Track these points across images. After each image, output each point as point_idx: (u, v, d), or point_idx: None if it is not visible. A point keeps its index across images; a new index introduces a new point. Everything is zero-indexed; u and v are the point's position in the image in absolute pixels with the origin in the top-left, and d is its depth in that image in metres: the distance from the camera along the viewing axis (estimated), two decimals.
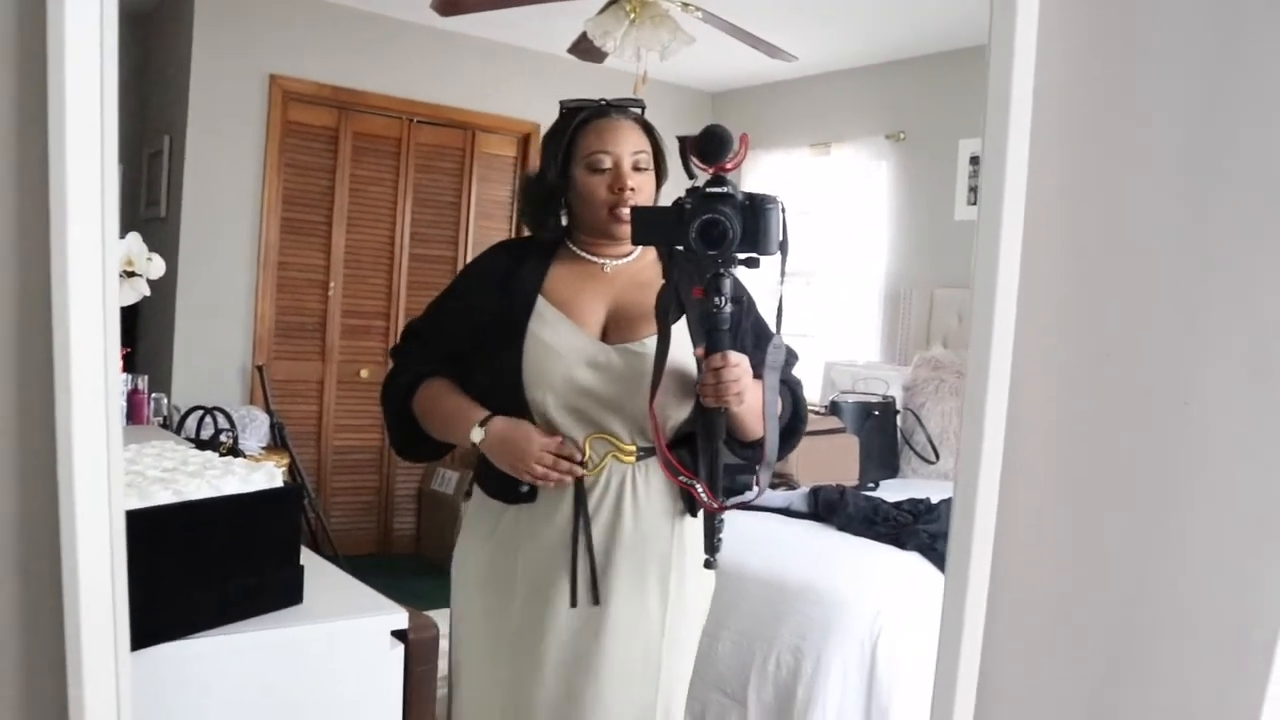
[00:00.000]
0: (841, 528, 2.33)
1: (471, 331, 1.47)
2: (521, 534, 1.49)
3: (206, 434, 2.02)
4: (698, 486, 1.37)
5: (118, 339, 0.98)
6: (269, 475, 1.54)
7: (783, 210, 1.35)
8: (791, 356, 1.51)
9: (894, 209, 3.56)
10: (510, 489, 1.51)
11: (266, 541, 1.55)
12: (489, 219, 3.70)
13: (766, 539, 2.32)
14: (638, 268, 1.51)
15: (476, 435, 1.49)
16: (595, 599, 1.44)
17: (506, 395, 1.43)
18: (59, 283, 0.95)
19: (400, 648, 1.57)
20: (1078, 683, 1.08)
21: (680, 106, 3.89)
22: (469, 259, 3.50)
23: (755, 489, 1.44)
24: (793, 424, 1.61)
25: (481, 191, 3.69)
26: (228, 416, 1.98)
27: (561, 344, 1.50)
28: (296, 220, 3.39)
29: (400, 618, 1.58)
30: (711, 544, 1.42)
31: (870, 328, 3.54)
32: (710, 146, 1.34)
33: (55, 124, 0.92)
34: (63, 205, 0.93)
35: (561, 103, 1.50)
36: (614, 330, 1.51)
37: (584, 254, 1.49)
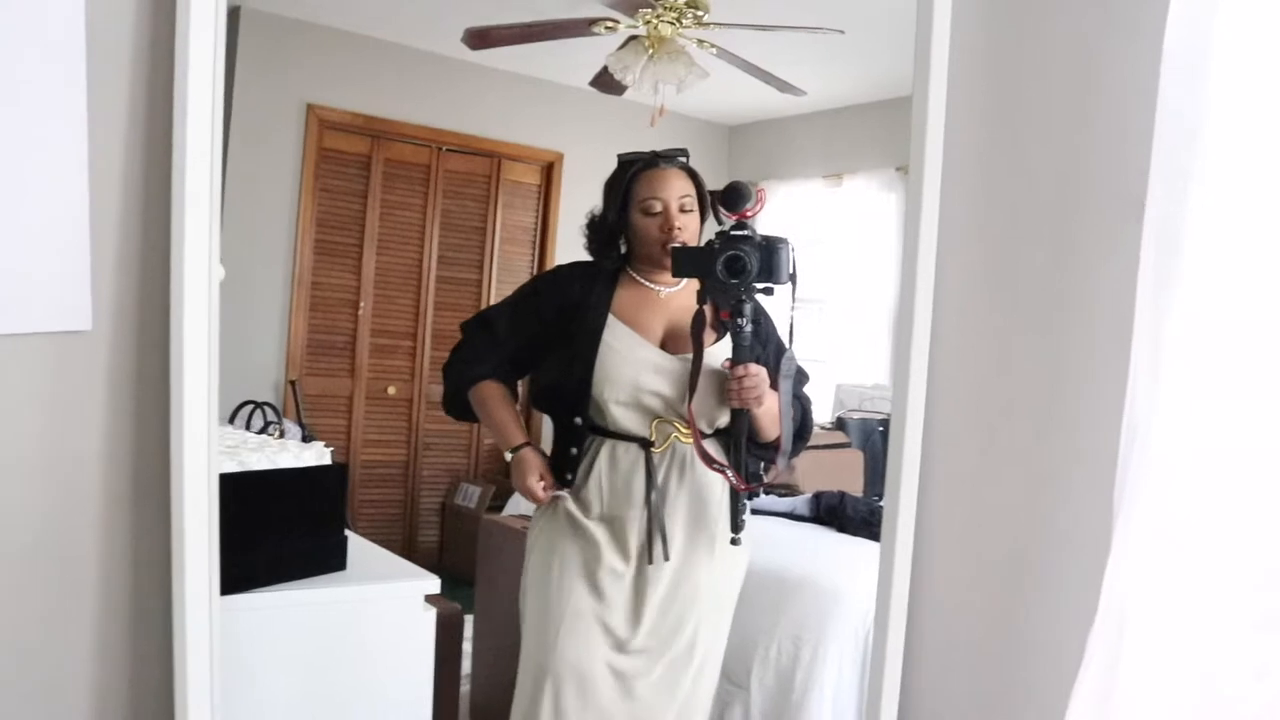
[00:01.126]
0: (841, 529, 2.55)
1: (541, 331, 2.02)
2: (595, 506, 1.97)
3: (255, 427, 2.26)
4: (728, 472, 1.82)
5: (217, 329, 1.24)
6: (319, 453, 1.80)
7: (792, 249, 1.92)
8: (803, 376, 2.03)
9: (902, 238, 3.78)
10: (560, 476, 1.98)
11: (316, 511, 1.81)
12: (513, 244, 3.96)
13: (770, 539, 2.54)
14: (685, 294, 2.01)
15: (508, 456, 2.01)
16: (665, 555, 1.94)
17: (574, 391, 1.96)
18: (177, 282, 1.20)
19: (433, 611, 1.82)
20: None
21: (698, 138, 4.15)
22: (494, 282, 3.80)
23: (774, 471, 2.03)
24: (801, 431, 2.08)
25: (506, 217, 3.96)
26: (275, 410, 2.23)
27: (631, 354, 1.96)
28: (329, 242, 3.66)
29: (433, 583, 1.84)
30: (735, 523, 1.97)
31: (879, 351, 3.77)
32: (732, 199, 1.90)
33: (178, 140, 1.18)
34: (181, 213, 1.19)
35: (619, 156, 2.08)
36: (670, 343, 2.01)
37: (643, 281, 2.04)
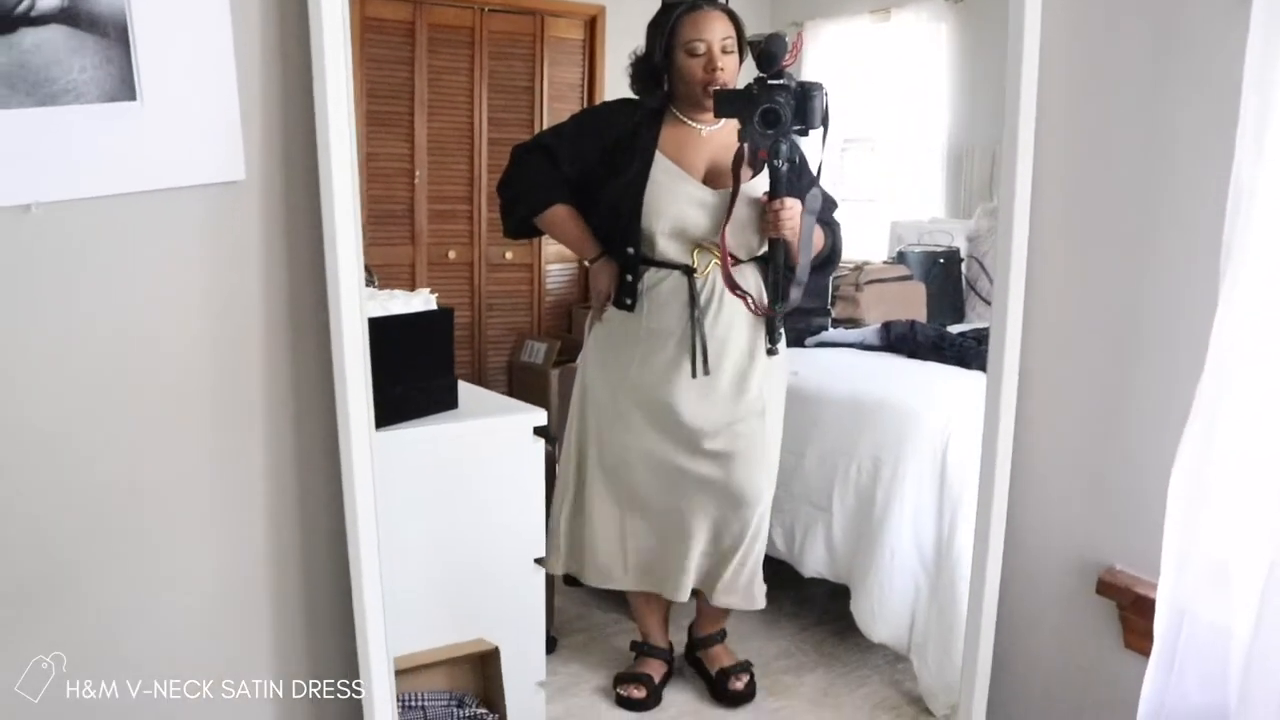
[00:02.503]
0: (911, 354, 2.70)
1: (595, 162, 2.21)
2: (643, 326, 2.20)
3: None
4: (749, 298, 2.00)
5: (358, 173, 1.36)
6: (425, 300, 1.95)
7: (825, 95, 2.09)
8: (830, 203, 2.21)
9: (954, 71, 3.82)
10: (620, 301, 2.21)
11: (429, 353, 1.96)
12: (561, 101, 4.04)
13: (843, 367, 2.70)
14: (725, 132, 2.19)
15: (588, 263, 2.26)
16: (706, 370, 2.17)
17: (627, 220, 2.18)
18: (322, 128, 1.32)
19: (542, 441, 1.99)
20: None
21: None
22: None
23: (790, 300, 2.19)
24: (831, 255, 2.31)
25: (553, 75, 4.03)
26: (366, 267, 2.39)
27: (676, 188, 2.16)
28: (380, 112, 3.76)
29: (540, 415, 2.01)
30: (772, 336, 2.24)
31: (934, 186, 3.85)
32: (766, 58, 2.07)
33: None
34: (322, 61, 1.31)
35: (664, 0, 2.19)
36: (712, 178, 2.19)
37: (686, 120, 2.21)
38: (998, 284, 1.61)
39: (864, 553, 2.43)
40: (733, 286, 2.12)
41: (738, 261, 2.17)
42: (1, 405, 1.29)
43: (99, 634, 1.42)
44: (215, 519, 1.48)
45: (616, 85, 3.96)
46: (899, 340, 2.72)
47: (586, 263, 2.27)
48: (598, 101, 4.01)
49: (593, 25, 4.05)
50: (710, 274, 2.17)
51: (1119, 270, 1.50)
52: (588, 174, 2.20)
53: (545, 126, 4.06)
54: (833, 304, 2.89)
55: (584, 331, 2.42)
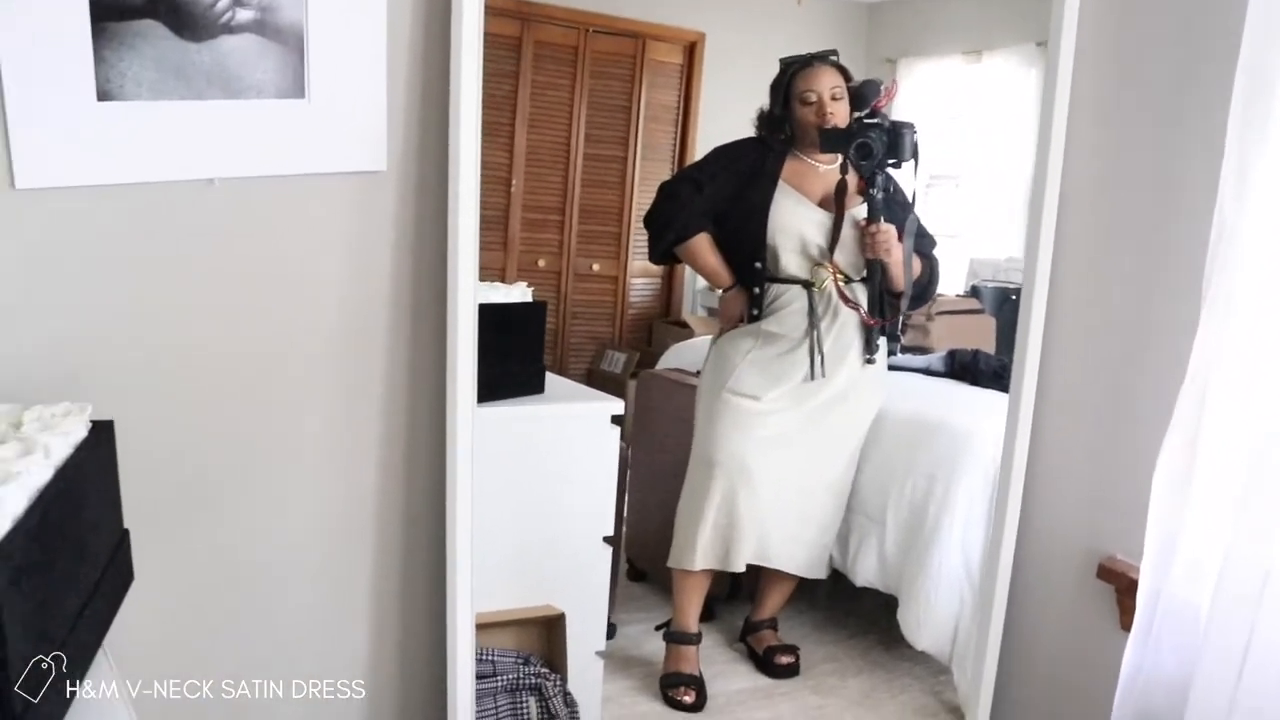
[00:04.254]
0: (974, 382, 2.91)
1: (730, 188, 2.65)
2: (766, 334, 2.60)
3: None
4: (860, 309, 2.29)
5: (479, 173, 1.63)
6: (523, 292, 2.22)
7: (914, 132, 2.56)
8: (930, 240, 2.53)
9: (1042, 114, 4.00)
10: (749, 312, 2.61)
11: (522, 339, 2.23)
12: (657, 122, 4.31)
13: (908, 390, 2.92)
14: (837, 168, 2.59)
15: (719, 292, 2.72)
16: (823, 373, 2.57)
17: (754, 236, 2.60)
18: (454, 130, 1.60)
19: (618, 429, 2.24)
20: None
21: (838, 17, 4.40)
22: (639, 159, 4.18)
23: (896, 312, 2.63)
24: (928, 283, 2.76)
25: (650, 96, 4.30)
26: None
27: (797, 210, 2.59)
28: (486, 122, 4.01)
29: (618, 405, 2.26)
30: (870, 346, 2.65)
31: (1014, 226, 4.03)
32: (859, 99, 2.58)
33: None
34: (459, 70, 1.59)
35: (781, 59, 2.72)
36: (827, 204, 2.61)
37: (804, 158, 2.65)
38: (1021, 312, 1.87)
39: (913, 565, 2.64)
40: (845, 298, 2.54)
41: (849, 280, 2.57)
42: (175, 345, 1.59)
43: (235, 549, 1.71)
44: (332, 471, 1.77)
45: (712, 110, 4.26)
46: (962, 368, 2.93)
47: (720, 291, 2.71)
48: (692, 122, 4.28)
49: (692, 51, 4.32)
50: (826, 288, 2.56)
51: (1123, 300, 1.79)
52: (723, 199, 2.63)
53: (640, 145, 4.37)
54: (903, 331, 3.12)
55: (707, 349, 2.80)
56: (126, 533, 1.40)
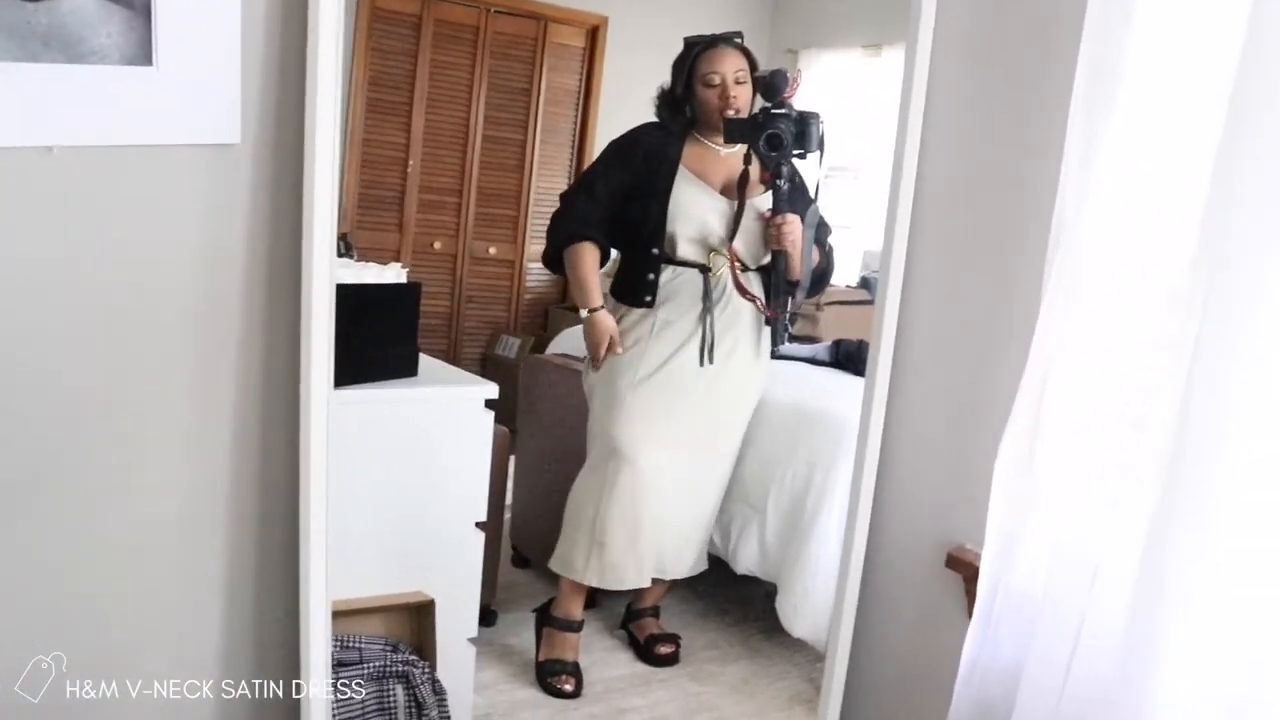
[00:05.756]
0: (857, 372, 2.92)
1: (628, 179, 2.62)
2: (658, 317, 2.59)
3: None
4: (757, 301, 2.32)
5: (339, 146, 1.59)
6: (396, 273, 2.19)
7: (821, 123, 2.53)
8: (826, 228, 2.53)
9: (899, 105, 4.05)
10: (639, 298, 2.59)
11: (394, 322, 2.20)
12: (557, 105, 4.29)
13: (791, 379, 2.94)
14: (739, 153, 2.57)
15: (584, 314, 2.66)
16: (712, 359, 2.57)
17: (653, 226, 2.58)
18: (310, 102, 1.56)
19: (491, 413, 2.22)
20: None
21: (742, 8, 4.41)
22: (538, 143, 4.16)
23: (794, 302, 2.66)
24: (824, 271, 2.76)
25: (551, 79, 4.28)
26: (347, 242, 2.65)
27: (698, 197, 2.58)
28: (381, 101, 4.01)
29: (492, 389, 2.24)
30: (776, 337, 2.68)
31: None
32: (769, 89, 2.52)
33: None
34: (316, 40, 1.55)
35: (685, 38, 2.66)
36: (728, 191, 2.60)
37: (705, 142, 2.66)
38: (878, 299, 1.89)
39: (792, 553, 2.67)
40: (742, 290, 2.53)
41: (746, 269, 2.56)
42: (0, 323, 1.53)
43: (70, 544, 1.65)
44: (183, 449, 1.72)
45: (613, 94, 4.24)
46: (846, 358, 2.96)
47: (584, 313, 2.65)
48: (593, 107, 4.27)
49: (594, 34, 4.31)
50: (722, 275, 2.56)
51: (974, 292, 1.82)
52: (621, 193, 2.60)
53: (540, 128, 4.35)
54: (792, 322, 3.14)
55: (583, 378, 2.77)
56: None
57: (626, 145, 2.70)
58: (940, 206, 1.86)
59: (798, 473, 2.71)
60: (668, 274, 2.59)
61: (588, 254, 2.64)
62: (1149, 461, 1.34)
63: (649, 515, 2.62)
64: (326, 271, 1.64)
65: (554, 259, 2.78)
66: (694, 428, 2.65)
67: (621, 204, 2.62)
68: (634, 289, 2.62)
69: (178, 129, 1.57)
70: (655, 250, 2.58)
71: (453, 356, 4.31)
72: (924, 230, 1.86)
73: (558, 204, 2.82)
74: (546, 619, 2.68)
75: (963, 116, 1.84)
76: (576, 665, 2.63)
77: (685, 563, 2.74)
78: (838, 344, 3.04)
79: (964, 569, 1.70)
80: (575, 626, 2.67)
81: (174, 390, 1.68)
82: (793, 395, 2.85)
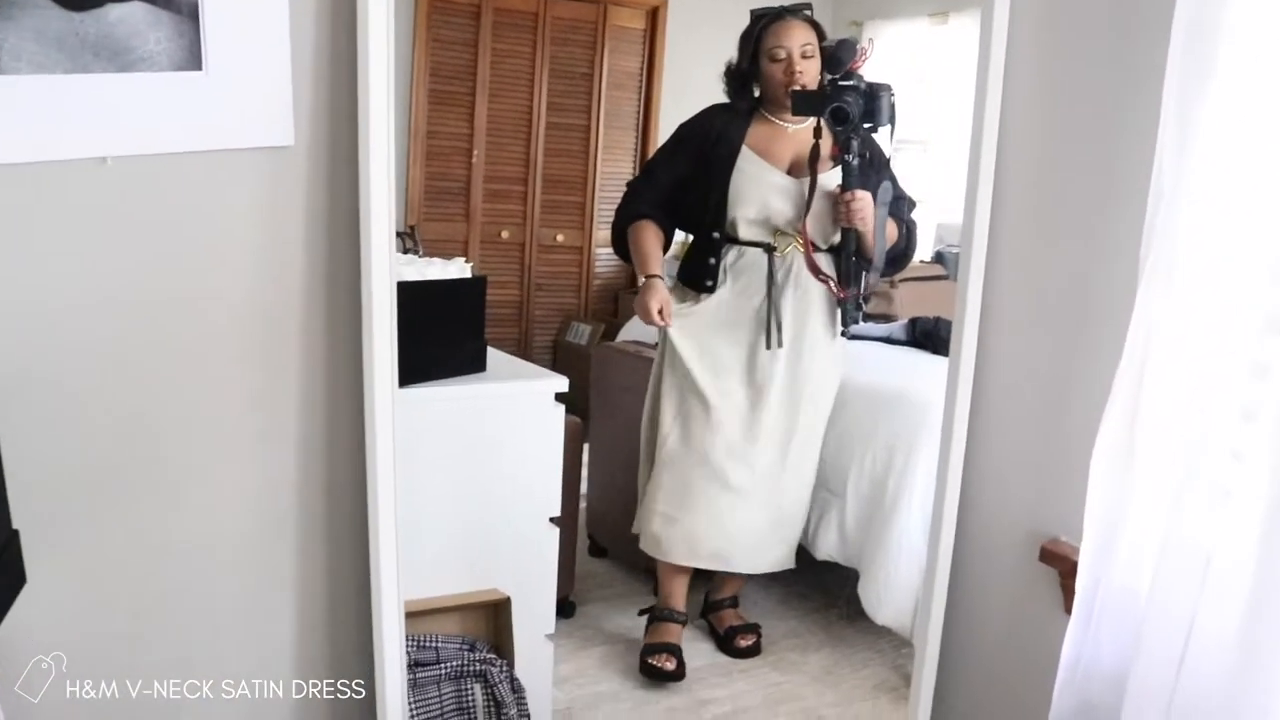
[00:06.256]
0: (934, 351, 2.83)
1: (690, 167, 2.52)
2: (723, 299, 2.50)
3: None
4: (830, 282, 2.22)
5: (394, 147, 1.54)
6: (460, 268, 2.14)
7: (892, 95, 2.37)
8: (910, 204, 2.42)
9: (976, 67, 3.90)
10: (701, 282, 2.50)
11: (461, 318, 2.15)
12: (620, 89, 4.21)
13: (868, 360, 2.84)
14: (809, 129, 2.46)
15: (641, 280, 2.52)
16: (780, 342, 2.47)
17: (714, 210, 2.48)
18: (364, 103, 1.50)
19: (562, 407, 2.16)
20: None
21: None
22: (601, 128, 4.09)
23: (867, 284, 2.53)
24: (905, 250, 2.61)
25: (613, 63, 4.21)
26: (413, 236, 2.60)
27: (761, 176, 2.45)
28: (443, 92, 3.97)
29: (562, 382, 2.18)
30: (845, 319, 2.54)
31: None
32: (833, 62, 2.39)
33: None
34: (366, 42, 1.49)
35: (751, 11, 2.51)
36: (796, 169, 2.47)
37: (772, 119, 2.52)
38: (960, 276, 1.77)
39: (874, 538, 2.58)
40: (815, 270, 2.40)
41: (817, 249, 2.43)
42: (69, 335, 1.50)
43: (144, 546, 1.62)
44: (250, 454, 1.68)
45: (675, 75, 4.15)
46: (924, 336, 2.85)
47: (640, 279, 2.52)
48: (655, 89, 4.18)
49: (654, 15, 4.22)
50: (789, 255, 2.44)
51: (1063, 270, 1.69)
52: (684, 175, 2.50)
53: (603, 112, 4.28)
54: (866, 300, 3.04)
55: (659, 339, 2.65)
56: (15, 534, 1.32)
57: (691, 128, 2.59)
58: (1023, 178, 1.73)
59: (877, 456, 2.61)
60: (732, 255, 2.49)
61: (648, 230, 2.55)
62: (1263, 449, 1.23)
63: (704, 493, 2.54)
64: (386, 271, 1.58)
65: (619, 242, 2.68)
66: (771, 419, 2.53)
67: (683, 188, 2.52)
68: (697, 272, 2.52)
69: (230, 133, 1.52)
70: (716, 234, 2.49)
71: (523, 345, 4.27)
72: (1006, 204, 1.74)
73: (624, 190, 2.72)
74: (652, 612, 2.63)
75: (1045, 84, 1.71)
76: (679, 648, 2.56)
77: (761, 560, 2.64)
78: (914, 322, 2.93)
79: (1059, 563, 1.59)
80: (677, 617, 2.61)
81: (238, 395, 1.65)
82: (869, 376, 2.75)
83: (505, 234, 4.10)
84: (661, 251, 2.56)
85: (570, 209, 4.14)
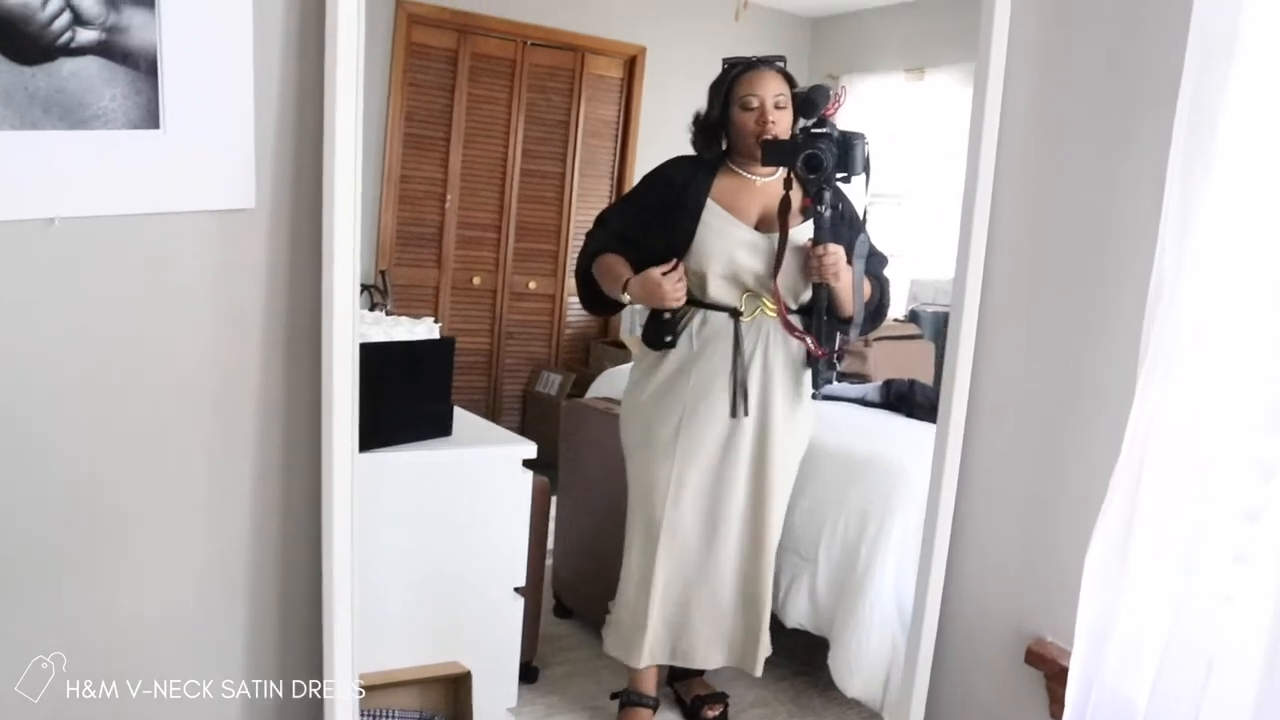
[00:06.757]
0: (909, 414, 2.76)
1: (651, 218, 2.33)
2: (688, 367, 2.30)
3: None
4: (807, 339, 2.11)
5: (360, 209, 1.46)
6: (429, 328, 2.05)
7: (866, 144, 2.21)
8: (882, 259, 2.30)
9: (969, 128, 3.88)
10: (660, 339, 2.29)
11: (427, 380, 2.06)
12: (596, 137, 4.15)
13: (841, 422, 2.77)
14: (778, 183, 2.31)
15: (624, 297, 2.26)
16: (746, 411, 2.29)
17: (677, 260, 2.24)
18: (329, 166, 1.42)
19: (530, 473, 2.07)
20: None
21: (781, 31, 4.28)
22: (576, 175, 4.02)
23: (843, 341, 2.37)
24: (879, 307, 2.42)
25: (589, 111, 4.15)
26: (382, 291, 2.50)
27: (726, 231, 2.27)
28: (417, 136, 3.90)
29: (530, 448, 2.09)
30: (816, 381, 2.35)
31: (955, 246, 3.91)
32: (808, 105, 2.25)
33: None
34: (333, 107, 1.41)
35: (724, 59, 2.36)
36: (764, 224, 2.30)
37: (740, 171, 2.35)
38: (946, 367, 1.70)
39: (845, 607, 2.49)
40: (790, 328, 2.25)
41: (789, 310, 2.27)
42: (13, 402, 1.40)
43: (86, 625, 1.52)
44: (202, 522, 1.58)
45: (651, 125, 4.09)
46: (898, 399, 2.79)
47: (624, 296, 2.29)
48: (631, 138, 4.13)
49: (632, 65, 4.17)
50: (756, 318, 2.27)
51: (1056, 357, 1.61)
52: (645, 227, 2.31)
53: (579, 160, 4.21)
54: (840, 359, 2.97)
55: (631, 366, 2.49)
56: None
57: (653, 180, 2.43)
58: (1017, 251, 1.66)
59: (850, 522, 2.53)
60: (698, 320, 2.30)
61: (614, 258, 2.33)
62: (1267, 553, 1.16)
63: (694, 594, 2.36)
64: (348, 338, 1.50)
65: (585, 290, 2.45)
66: (738, 494, 2.35)
67: (644, 241, 2.32)
68: (656, 329, 2.32)
69: (188, 195, 1.43)
70: None
71: (493, 394, 4.19)
72: (999, 275, 1.66)
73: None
74: (623, 697, 2.48)
75: (1040, 165, 1.64)
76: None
77: (729, 654, 2.44)
78: (888, 384, 2.87)
79: (1045, 665, 1.51)
80: (648, 701, 2.46)
81: (190, 461, 1.55)
82: (842, 439, 2.67)
83: (477, 280, 4.02)
84: (627, 268, 2.32)
85: (543, 256, 4.07)
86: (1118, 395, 1.36)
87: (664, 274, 2.20)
